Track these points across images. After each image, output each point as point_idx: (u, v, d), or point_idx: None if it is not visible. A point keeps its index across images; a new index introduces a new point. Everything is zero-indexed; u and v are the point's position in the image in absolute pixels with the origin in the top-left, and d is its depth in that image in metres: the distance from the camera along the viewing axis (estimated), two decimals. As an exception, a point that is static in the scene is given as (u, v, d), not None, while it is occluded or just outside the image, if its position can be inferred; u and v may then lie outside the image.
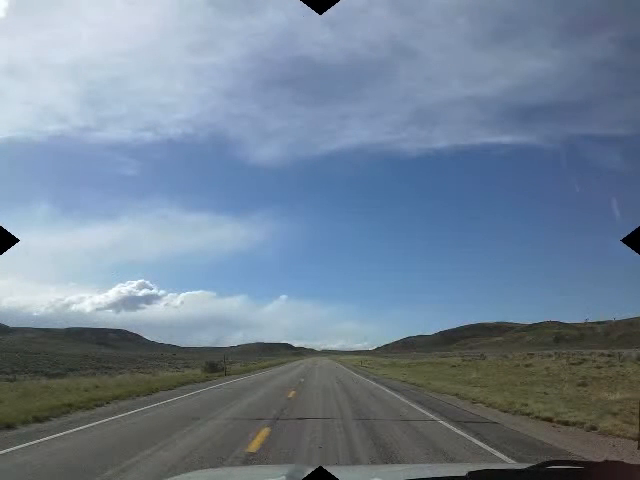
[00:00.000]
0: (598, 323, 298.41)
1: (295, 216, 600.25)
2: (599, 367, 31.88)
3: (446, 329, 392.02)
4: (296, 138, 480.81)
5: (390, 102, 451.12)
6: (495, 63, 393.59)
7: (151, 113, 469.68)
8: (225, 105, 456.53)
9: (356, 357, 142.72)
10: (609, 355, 51.15)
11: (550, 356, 58.67)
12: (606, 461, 1.88)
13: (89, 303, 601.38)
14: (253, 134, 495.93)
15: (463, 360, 60.03)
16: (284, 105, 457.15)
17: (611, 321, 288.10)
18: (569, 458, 6.58)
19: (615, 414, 11.05)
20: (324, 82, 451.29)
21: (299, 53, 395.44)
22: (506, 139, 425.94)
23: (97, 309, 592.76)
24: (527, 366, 38.15)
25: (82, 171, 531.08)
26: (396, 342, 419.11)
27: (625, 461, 1.95)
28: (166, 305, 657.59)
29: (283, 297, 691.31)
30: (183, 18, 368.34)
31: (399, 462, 7.06)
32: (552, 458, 4.29)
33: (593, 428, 9.86)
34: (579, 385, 19.44)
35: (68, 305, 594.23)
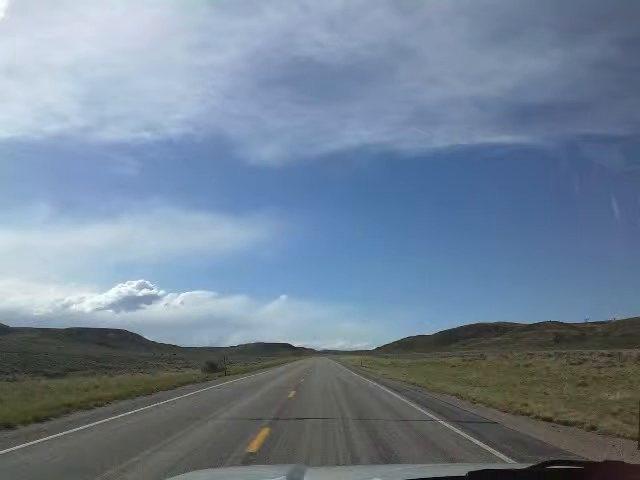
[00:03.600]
0: (598, 323, 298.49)
1: (295, 216, 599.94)
2: (599, 367, 31.89)
3: (446, 329, 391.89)
4: (296, 138, 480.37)
5: (390, 102, 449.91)
6: (495, 63, 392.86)
7: (151, 113, 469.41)
8: (225, 105, 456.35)
9: (356, 357, 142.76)
10: (609, 355, 51.16)
11: (550, 356, 58.68)
12: (606, 461, 1.88)
13: (89, 303, 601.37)
14: (253, 134, 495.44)
15: (463, 360, 60.05)
16: (284, 105, 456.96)
17: (611, 321, 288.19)
18: (569, 458, 6.57)
19: (615, 414, 11.05)
20: (324, 82, 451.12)
21: (299, 53, 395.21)
22: (506, 139, 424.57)
23: (97, 309, 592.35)
24: (527, 366, 38.16)
25: (82, 171, 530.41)
26: (396, 342, 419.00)
27: (625, 461, 1.95)
28: (166, 305, 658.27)
29: (283, 297, 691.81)
30: (183, 18, 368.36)
31: (399, 462, 7.06)
32: (552, 458, 4.26)
33: (593, 428, 9.86)
34: (579, 385, 19.44)
35: (68, 305, 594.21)
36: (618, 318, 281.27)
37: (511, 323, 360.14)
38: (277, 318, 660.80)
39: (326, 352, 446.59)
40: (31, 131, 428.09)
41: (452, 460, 7.22)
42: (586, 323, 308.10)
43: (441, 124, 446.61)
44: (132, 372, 41.28)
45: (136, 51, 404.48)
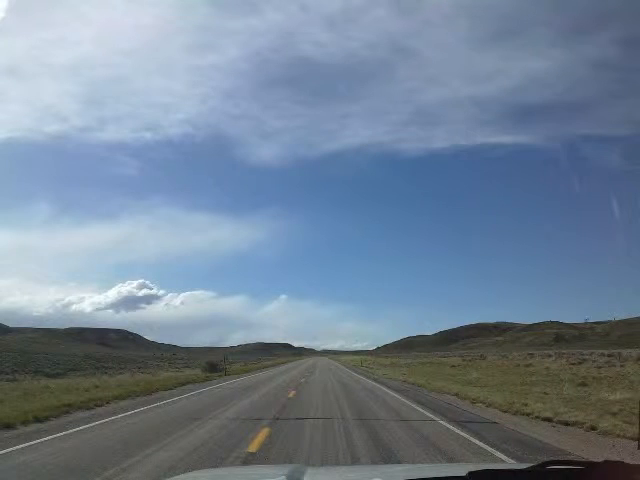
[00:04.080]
0: (598, 323, 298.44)
1: (295, 215, 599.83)
2: (599, 367, 31.90)
3: (446, 329, 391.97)
4: (296, 138, 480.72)
5: (390, 102, 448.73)
6: (495, 63, 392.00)
7: (151, 113, 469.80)
8: (225, 105, 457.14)
9: (356, 357, 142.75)
10: (609, 355, 51.17)
11: (550, 356, 58.66)
12: (606, 461, 1.89)
13: (89, 303, 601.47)
14: (253, 134, 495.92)
15: (463, 360, 60.05)
16: (284, 105, 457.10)
17: (611, 321, 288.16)
18: (569, 458, 6.56)
19: (615, 414, 11.05)
20: (324, 82, 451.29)
21: (299, 53, 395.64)
22: (506, 139, 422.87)
23: (97, 309, 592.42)
24: (527, 366, 38.16)
25: (82, 171, 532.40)
26: (396, 342, 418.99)
27: (625, 461, 1.95)
28: (166, 305, 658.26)
29: (283, 297, 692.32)
30: (183, 18, 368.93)
31: (399, 462, 7.07)
32: (552, 458, 4.28)
33: (593, 428, 9.86)
34: (579, 385, 19.44)
35: (68, 305, 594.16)
36: (618, 318, 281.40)
37: (511, 323, 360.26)
38: (277, 318, 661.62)
39: (326, 352, 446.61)
40: (31, 131, 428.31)
41: (452, 460, 7.23)
42: (586, 323, 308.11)
43: (441, 124, 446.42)
44: (132, 372, 41.30)
45: (136, 51, 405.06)
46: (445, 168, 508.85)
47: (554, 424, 10.80)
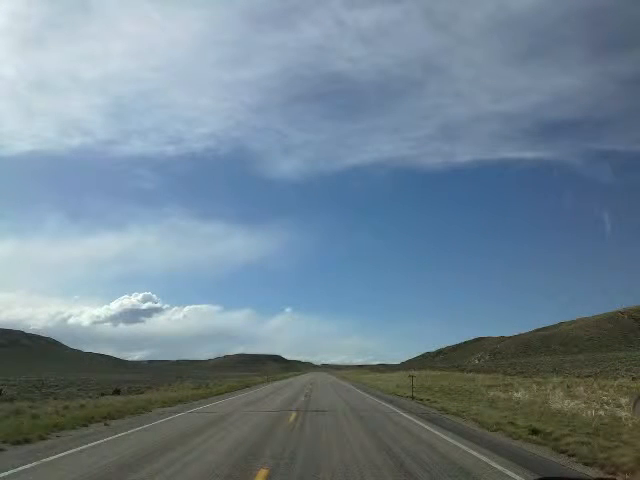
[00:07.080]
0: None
1: (306, 229, 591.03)
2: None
3: (450, 345, 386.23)
4: (318, 152, 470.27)
5: (416, 117, 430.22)
6: (525, 79, 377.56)
7: (176, 127, 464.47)
8: (250, 119, 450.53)
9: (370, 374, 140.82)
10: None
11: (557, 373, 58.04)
12: (600, 478, 2.11)
13: (88, 316, 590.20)
14: (275, 148, 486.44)
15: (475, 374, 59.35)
16: (310, 120, 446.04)
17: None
18: (562, 475, 6.44)
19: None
20: (353, 97, 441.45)
21: (331, 69, 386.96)
22: (529, 155, 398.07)
23: (95, 322, 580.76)
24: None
25: (103, 184, 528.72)
26: (402, 359, 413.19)
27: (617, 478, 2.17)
28: (168, 319, 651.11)
29: (288, 310, 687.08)
30: (219, 33, 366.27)
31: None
32: (545, 475, 4.29)
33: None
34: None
35: (67, 318, 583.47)
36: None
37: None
38: (281, 332, 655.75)
39: (326, 367, 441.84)
40: (54, 144, 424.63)
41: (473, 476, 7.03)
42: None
43: (465, 139, 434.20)
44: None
45: (168, 66, 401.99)
46: (466, 184, 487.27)
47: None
